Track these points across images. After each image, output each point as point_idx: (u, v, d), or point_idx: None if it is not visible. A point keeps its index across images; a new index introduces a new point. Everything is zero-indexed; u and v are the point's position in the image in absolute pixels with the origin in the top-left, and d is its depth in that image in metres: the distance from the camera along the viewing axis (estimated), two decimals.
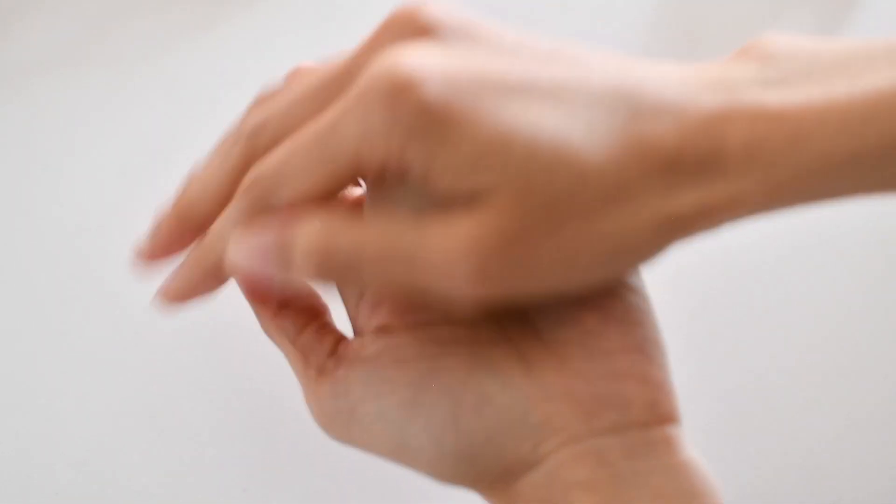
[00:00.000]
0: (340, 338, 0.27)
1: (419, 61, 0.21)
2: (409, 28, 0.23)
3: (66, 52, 0.53)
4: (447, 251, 0.21)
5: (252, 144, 0.25)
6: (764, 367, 0.42)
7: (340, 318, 0.29)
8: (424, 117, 0.21)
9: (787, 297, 0.44)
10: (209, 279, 0.27)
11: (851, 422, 0.40)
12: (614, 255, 0.22)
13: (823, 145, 0.21)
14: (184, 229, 0.27)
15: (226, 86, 0.50)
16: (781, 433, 0.40)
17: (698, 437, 0.39)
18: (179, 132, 0.49)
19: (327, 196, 0.23)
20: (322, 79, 0.24)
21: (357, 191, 0.29)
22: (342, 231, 0.23)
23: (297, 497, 0.38)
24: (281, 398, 0.40)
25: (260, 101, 0.26)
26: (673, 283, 0.45)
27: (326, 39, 0.52)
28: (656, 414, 0.24)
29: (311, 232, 0.23)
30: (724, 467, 0.39)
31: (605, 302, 0.25)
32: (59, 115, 0.50)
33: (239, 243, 0.24)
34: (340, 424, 0.26)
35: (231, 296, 0.43)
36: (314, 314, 0.28)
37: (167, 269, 0.29)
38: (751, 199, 0.22)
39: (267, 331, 0.28)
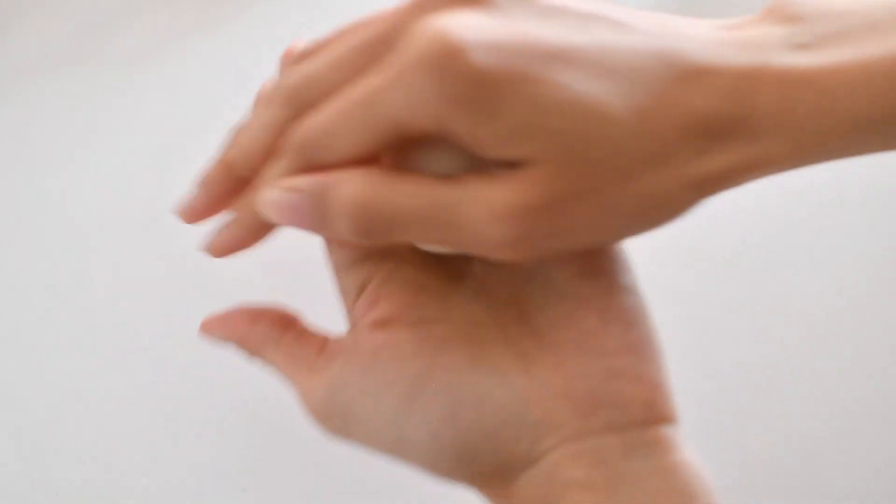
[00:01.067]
0: (325, 338, 0.28)
1: (465, 28, 0.21)
2: None
3: (66, 52, 0.53)
4: (492, 208, 0.22)
5: (294, 101, 0.25)
6: (763, 367, 0.42)
7: (322, 320, 0.29)
8: (472, 86, 0.21)
9: (786, 297, 0.44)
10: (252, 234, 0.28)
11: (851, 421, 0.40)
12: (646, 214, 0.23)
13: (852, 107, 0.22)
14: (229, 182, 0.27)
15: (226, 86, 0.50)
16: (781, 433, 0.40)
17: (696, 436, 0.39)
18: (179, 132, 0.49)
19: (369, 159, 0.24)
20: (363, 41, 0.24)
21: None
22: (384, 186, 0.23)
23: (297, 497, 0.38)
24: (281, 399, 0.39)
25: (298, 58, 0.27)
26: (672, 284, 0.45)
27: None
28: (653, 414, 0.24)
29: (352, 185, 0.23)
30: (722, 467, 0.39)
31: (603, 303, 0.25)
32: (59, 115, 0.50)
33: (274, 190, 0.25)
34: (337, 420, 0.26)
35: (232, 295, 0.43)
36: (289, 323, 0.29)
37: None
38: (778, 159, 0.22)
39: (245, 345, 0.29)
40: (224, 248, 0.28)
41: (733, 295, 0.44)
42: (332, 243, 0.28)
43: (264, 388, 0.40)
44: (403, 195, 0.23)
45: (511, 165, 0.22)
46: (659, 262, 0.45)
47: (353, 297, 0.27)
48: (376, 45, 0.24)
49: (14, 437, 0.39)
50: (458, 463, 0.24)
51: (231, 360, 0.41)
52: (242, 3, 0.55)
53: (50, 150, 0.49)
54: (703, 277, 0.45)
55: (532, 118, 0.21)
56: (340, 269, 0.28)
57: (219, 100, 0.49)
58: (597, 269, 0.26)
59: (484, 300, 0.26)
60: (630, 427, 0.24)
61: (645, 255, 0.47)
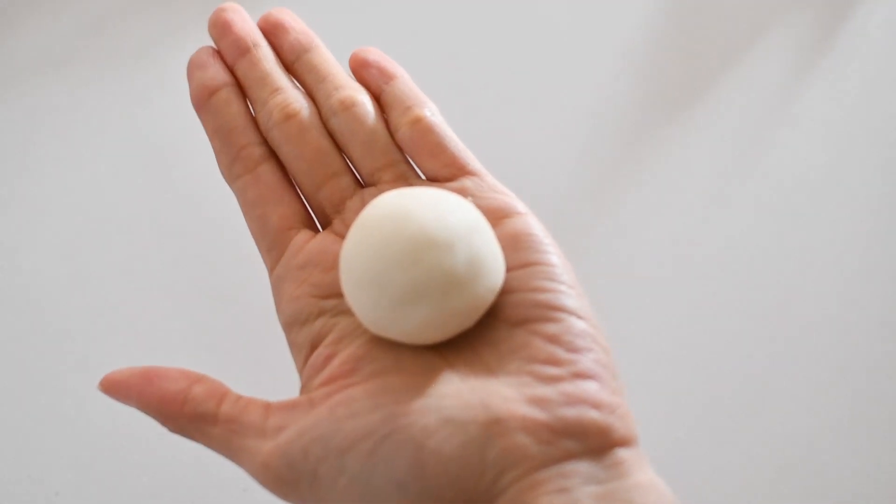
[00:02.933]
0: (264, 401, 0.27)
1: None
2: None
3: (66, 52, 0.53)
4: None
5: None
6: (763, 367, 0.42)
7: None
8: None
9: (787, 297, 0.44)
10: None
11: (852, 420, 0.40)
12: None
13: None
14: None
15: None
16: (782, 433, 0.40)
17: (698, 439, 0.39)
18: (179, 132, 0.49)
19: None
20: None
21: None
22: None
23: None
24: (281, 398, 0.40)
25: None
26: (674, 284, 0.44)
27: (325, 39, 0.52)
28: (611, 439, 0.24)
29: None
30: (724, 465, 0.39)
31: (550, 328, 0.25)
32: (59, 115, 0.50)
33: None
34: (304, 488, 0.25)
35: (232, 295, 0.43)
36: (221, 393, 0.27)
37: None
38: None
39: (172, 423, 0.27)
40: None
41: (740, 294, 0.44)
42: (285, 299, 0.28)
43: (265, 387, 0.40)
44: None
45: None
46: (660, 263, 0.45)
47: (305, 353, 0.27)
48: None
49: (14, 436, 0.39)
50: None
51: (231, 360, 0.41)
52: (242, 4, 0.55)
53: (49, 149, 0.49)
54: (709, 276, 0.45)
55: None
56: (293, 325, 0.27)
57: None
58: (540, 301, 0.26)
59: (435, 347, 0.26)
60: (589, 453, 0.24)
61: (645, 257, 0.47)
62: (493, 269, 0.26)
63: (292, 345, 0.28)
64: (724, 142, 0.49)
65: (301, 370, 0.27)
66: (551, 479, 0.23)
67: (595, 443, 0.24)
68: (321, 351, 0.26)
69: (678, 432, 0.40)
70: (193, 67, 0.32)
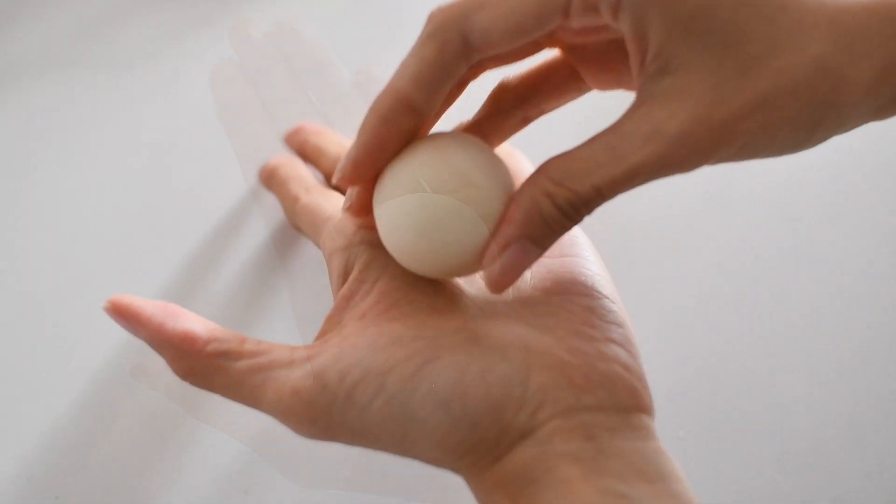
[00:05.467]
0: (289, 345, 0.27)
1: None
2: None
3: (66, 52, 0.53)
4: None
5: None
6: (764, 365, 0.42)
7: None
8: None
9: (787, 295, 0.44)
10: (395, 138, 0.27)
11: (852, 420, 0.40)
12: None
13: None
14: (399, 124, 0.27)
15: None
16: (784, 432, 0.40)
17: (699, 435, 0.39)
18: (178, 132, 0.49)
19: (524, 37, 0.25)
20: None
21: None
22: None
23: (298, 499, 0.38)
24: None
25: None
26: (675, 281, 0.45)
27: (324, 38, 0.52)
28: (636, 401, 0.26)
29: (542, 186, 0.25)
30: (724, 465, 0.39)
31: (587, 301, 0.28)
32: (59, 115, 0.50)
33: (498, 263, 0.26)
34: (334, 412, 0.25)
35: (232, 293, 0.43)
36: (243, 337, 0.28)
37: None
38: None
39: (195, 365, 0.27)
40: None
41: (740, 291, 0.44)
42: (327, 238, 0.30)
43: None
44: (589, 159, 0.26)
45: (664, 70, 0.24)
46: (663, 259, 0.45)
47: (339, 280, 0.29)
48: None
49: (13, 437, 0.39)
50: (464, 436, 0.24)
51: None
52: (240, 3, 0.55)
53: (48, 150, 0.49)
54: (711, 273, 0.45)
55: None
56: (334, 253, 0.29)
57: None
58: (574, 286, 0.28)
59: (472, 302, 0.28)
60: (617, 409, 0.25)
61: (645, 255, 0.47)
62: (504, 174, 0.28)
63: (330, 272, 0.29)
64: None
65: (335, 293, 0.29)
66: (582, 426, 0.24)
67: (623, 400, 0.25)
68: (353, 279, 0.28)
69: (679, 431, 0.40)
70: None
